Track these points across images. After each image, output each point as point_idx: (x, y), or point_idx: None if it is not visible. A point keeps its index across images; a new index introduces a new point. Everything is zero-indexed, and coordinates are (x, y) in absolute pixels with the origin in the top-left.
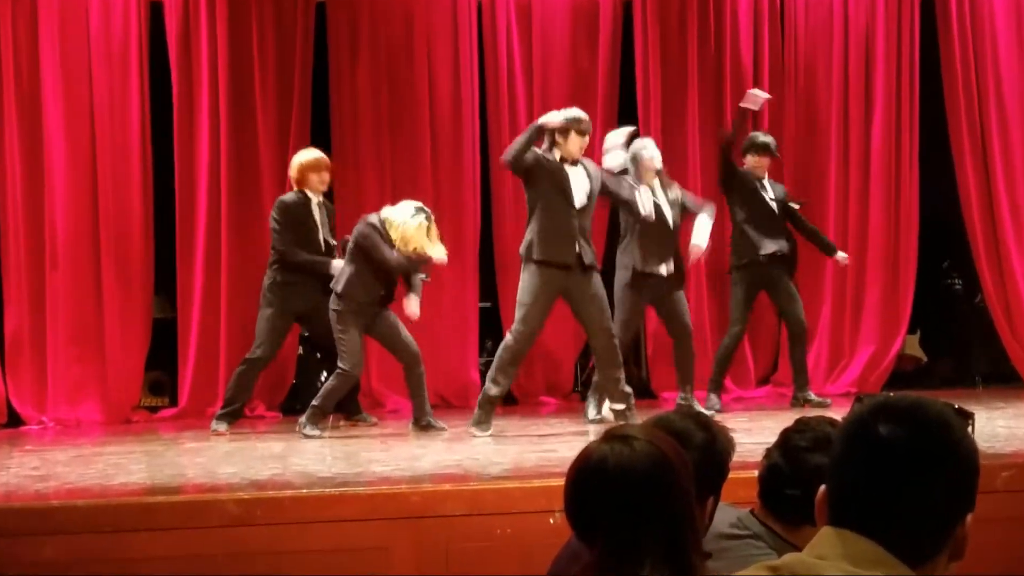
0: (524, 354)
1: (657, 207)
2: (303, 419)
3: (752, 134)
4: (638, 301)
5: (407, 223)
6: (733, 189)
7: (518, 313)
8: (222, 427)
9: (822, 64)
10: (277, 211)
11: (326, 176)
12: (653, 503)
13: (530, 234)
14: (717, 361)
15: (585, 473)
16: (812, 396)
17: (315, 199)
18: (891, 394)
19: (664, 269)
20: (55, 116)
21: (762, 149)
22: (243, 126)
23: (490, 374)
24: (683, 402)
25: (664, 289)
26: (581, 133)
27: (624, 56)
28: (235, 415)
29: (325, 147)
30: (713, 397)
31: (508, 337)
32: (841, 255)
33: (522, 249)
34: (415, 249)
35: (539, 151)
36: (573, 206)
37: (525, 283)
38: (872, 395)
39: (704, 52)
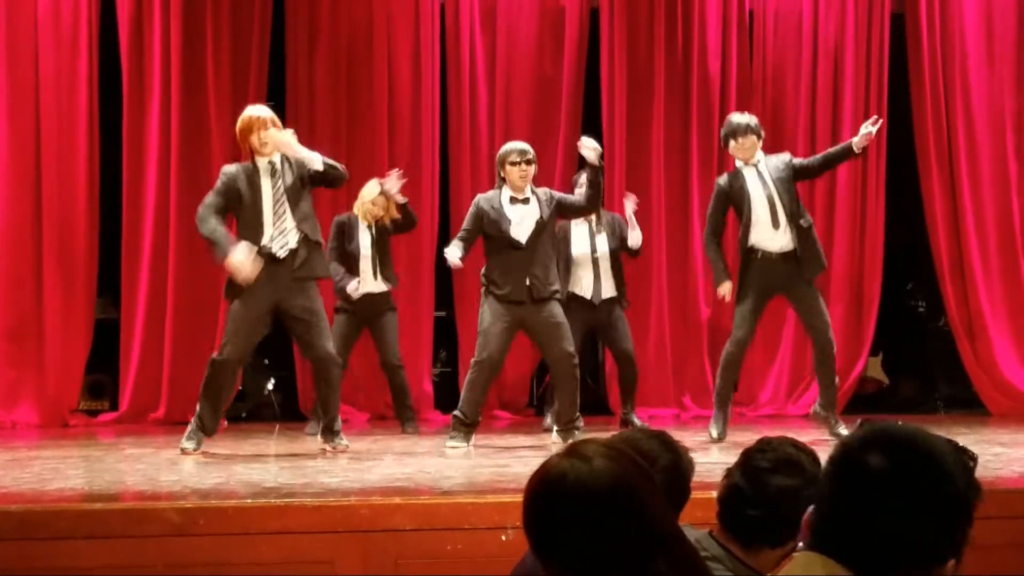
0: (486, 384)
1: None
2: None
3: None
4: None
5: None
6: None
7: (478, 343)
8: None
9: (790, 76)
10: None
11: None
12: (610, 525)
13: (485, 269)
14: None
15: (542, 488)
16: (835, 422)
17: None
18: (896, 423)
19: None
20: None
21: (742, 131)
22: (195, 118)
23: (459, 403)
24: (624, 417)
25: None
26: (514, 163)
27: (590, 63)
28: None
29: None
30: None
31: (469, 369)
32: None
33: (481, 279)
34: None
35: (482, 199)
36: (520, 247)
37: (483, 313)
38: (874, 422)
39: (671, 60)
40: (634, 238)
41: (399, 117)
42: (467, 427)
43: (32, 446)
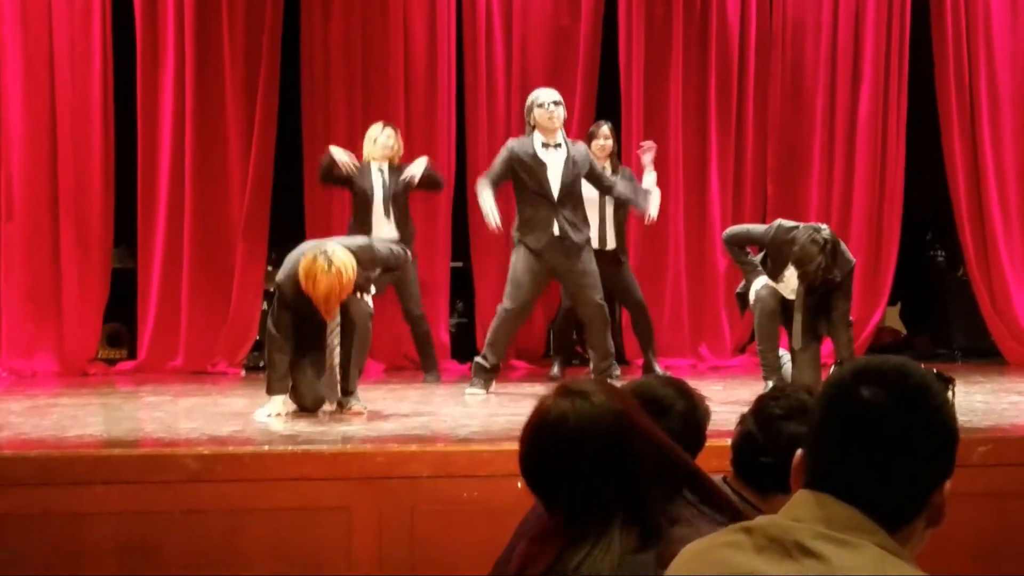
0: (511, 332)
1: None
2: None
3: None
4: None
5: None
6: None
7: (506, 291)
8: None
9: (810, 30)
10: None
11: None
12: (614, 461)
13: (517, 218)
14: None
15: (544, 431)
16: None
17: None
18: (871, 357)
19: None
20: (13, 63)
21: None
22: (209, 76)
23: (483, 348)
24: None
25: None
26: (542, 106)
27: (607, 13)
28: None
29: (295, 101)
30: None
31: (496, 315)
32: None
33: (512, 230)
34: None
35: (516, 145)
36: (552, 196)
37: (514, 262)
38: (853, 360)
39: (689, 11)
40: (648, 180)
41: (415, 69)
42: (487, 373)
43: (51, 394)
